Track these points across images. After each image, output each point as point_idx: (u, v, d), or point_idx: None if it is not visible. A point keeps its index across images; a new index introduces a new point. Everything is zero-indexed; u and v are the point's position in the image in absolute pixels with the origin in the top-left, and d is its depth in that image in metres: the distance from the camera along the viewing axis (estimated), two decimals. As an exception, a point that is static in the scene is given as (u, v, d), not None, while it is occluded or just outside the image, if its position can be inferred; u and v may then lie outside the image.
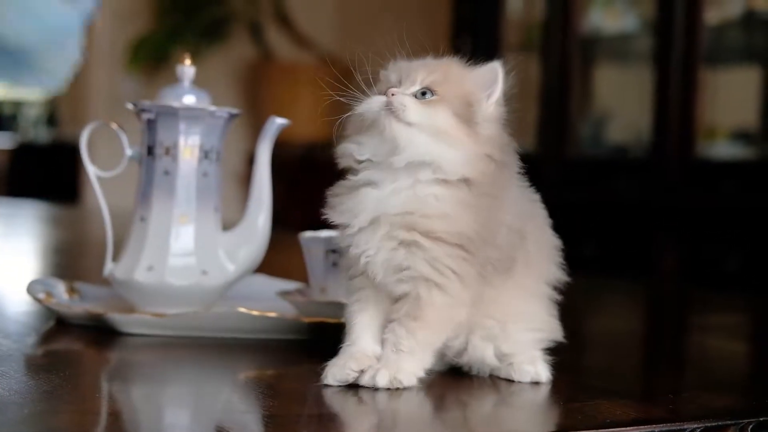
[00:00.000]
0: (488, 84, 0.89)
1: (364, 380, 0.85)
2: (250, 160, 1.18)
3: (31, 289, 1.14)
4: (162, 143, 1.12)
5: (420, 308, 0.86)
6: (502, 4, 3.39)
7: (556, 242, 0.95)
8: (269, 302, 1.16)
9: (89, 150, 1.17)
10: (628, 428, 0.77)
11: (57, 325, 1.10)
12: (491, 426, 0.83)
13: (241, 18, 4.39)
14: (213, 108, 1.12)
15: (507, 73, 0.90)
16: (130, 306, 1.13)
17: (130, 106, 1.15)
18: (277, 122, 1.13)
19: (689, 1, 2.76)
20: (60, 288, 1.19)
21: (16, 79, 6.19)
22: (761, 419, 0.81)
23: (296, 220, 1.07)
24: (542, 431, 0.83)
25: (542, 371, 0.91)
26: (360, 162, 0.88)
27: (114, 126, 1.16)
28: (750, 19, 2.87)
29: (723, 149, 2.87)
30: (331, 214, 0.89)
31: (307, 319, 1.06)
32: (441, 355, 0.91)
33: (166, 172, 1.11)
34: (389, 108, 0.86)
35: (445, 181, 0.86)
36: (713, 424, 0.80)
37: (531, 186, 0.93)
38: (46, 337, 1.07)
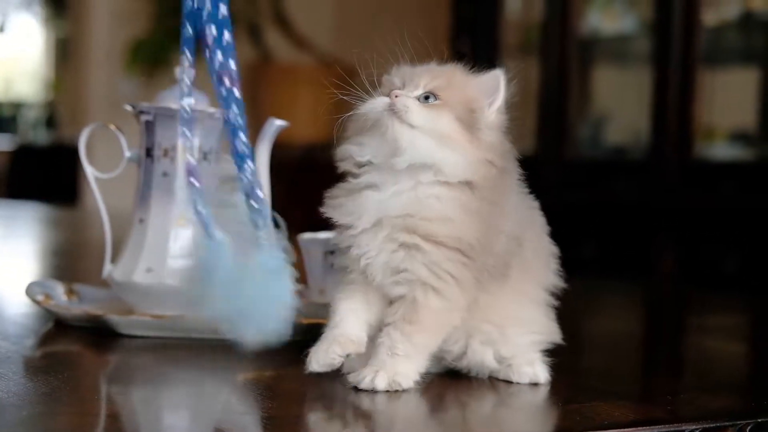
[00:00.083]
0: (490, 91, 0.90)
1: (363, 383, 0.84)
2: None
3: (29, 291, 1.14)
4: (160, 145, 1.12)
5: (416, 312, 0.86)
6: (501, 5, 3.39)
7: (553, 249, 0.95)
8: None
9: (88, 152, 1.17)
10: (626, 429, 0.78)
11: (56, 327, 1.10)
12: (490, 427, 0.83)
13: (239, 19, 4.39)
14: (212, 110, 1.12)
15: (508, 81, 0.90)
16: (128, 308, 1.13)
17: (128, 107, 1.15)
18: (276, 124, 1.13)
19: (687, 2, 2.76)
20: (59, 290, 1.19)
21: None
22: (759, 420, 0.81)
23: (295, 222, 1.07)
24: (541, 432, 0.83)
25: (541, 372, 0.91)
26: (361, 165, 0.88)
27: (113, 128, 1.16)
28: (748, 20, 2.88)
29: (721, 150, 2.87)
30: (333, 214, 0.89)
31: (305, 321, 1.06)
32: (439, 358, 0.91)
33: (165, 174, 1.11)
34: (392, 109, 0.86)
35: (446, 183, 0.86)
36: (711, 425, 0.80)
37: (530, 187, 0.93)
38: (45, 339, 1.07)
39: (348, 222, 0.88)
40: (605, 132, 3.28)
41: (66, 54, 6.33)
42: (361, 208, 0.87)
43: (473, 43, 3.35)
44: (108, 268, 1.14)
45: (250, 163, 0.86)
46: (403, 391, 0.85)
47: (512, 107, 0.91)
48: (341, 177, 0.91)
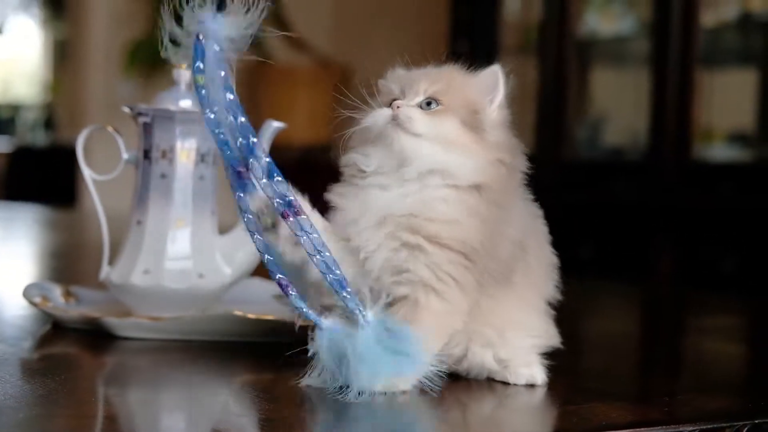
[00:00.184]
0: (490, 88, 0.89)
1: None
2: (246, 163, 1.18)
3: (27, 293, 1.14)
4: (158, 147, 1.12)
5: (417, 313, 0.85)
6: (499, 6, 3.39)
7: (554, 260, 0.95)
8: (266, 305, 1.15)
9: (86, 154, 1.17)
10: (624, 431, 0.77)
11: (53, 329, 1.10)
12: (488, 428, 0.83)
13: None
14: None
15: (507, 76, 0.90)
16: (126, 310, 1.12)
17: (126, 109, 1.15)
18: (274, 125, 1.13)
19: (685, 3, 2.76)
20: (56, 292, 1.18)
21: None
22: (756, 421, 0.81)
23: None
24: (538, 434, 0.83)
25: (538, 374, 0.91)
26: (365, 172, 0.88)
27: (110, 129, 1.16)
28: (746, 22, 2.88)
29: (720, 151, 2.87)
30: (338, 201, 0.89)
31: (302, 323, 1.06)
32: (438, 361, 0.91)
33: (163, 176, 1.11)
34: (395, 121, 0.86)
35: (455, 186, 0.86)
36: (709, 426, 0.80)
37: (529, 188, 0.93)
38: (43, 341, 1.07)
39: (352, 214, 0.87)
40: (603, 133, 3.28)
41: (64, 56, 6.34)
42: (366, 204, 0.87)
43: (472, 44, 3.35)
44: (105, 270, 1.14)
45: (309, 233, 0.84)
46: (402, 392, 0.85)
47: (511, 106, 0.91)
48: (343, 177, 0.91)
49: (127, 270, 1.11)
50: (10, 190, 5.73)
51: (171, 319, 1.05)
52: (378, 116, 0.87)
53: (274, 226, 0.86)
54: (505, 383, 0.91)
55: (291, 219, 0.83)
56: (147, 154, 1.12)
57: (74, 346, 1.05)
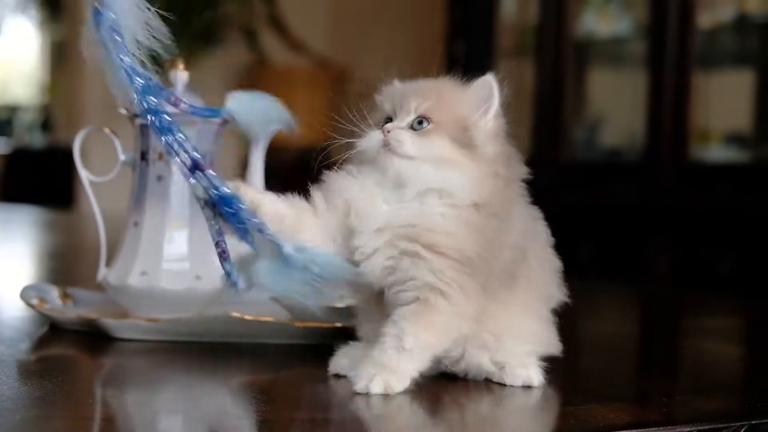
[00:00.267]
0: (484, 99, 0.89)
1: (359, 387, 0.84)
2: (244, 165, 1.18)
3: (24, 295, 1.14)
4: (155, 148, 1.12)
5: (428, 311, 0.85)
6: (496, 8, 3.40)
7: (557, 263, 0.95)
8: (263, 307, 1.15)
9: (83, 155, 1.17)
10: (621, 432, 0.78)
11: (50, 331, 1.10)
12: (485, 429, 0.83)
13: (235, 23, 4.40)
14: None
15: (501, 82, 0.90)
16: (123, 311, 1.12)
17: (123, 111, 1.14)
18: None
19: (682, 4, 2.77)
20: (53, 293, 1.18)
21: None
22: (754, 422, 0.81)
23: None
24: (536, 435, 0.83)
25: (534, 375, 0.91)
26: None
27: (107, 131, 1.16)
28: (742, 23, 2.88)
29: (716, 152, 2.88)
30: (341, 179, 0.89)
31: (301, 324, 1.06)
32: (435, 361, 0.91)
33: (160, 178, 1.11)
34: (387, 147, 0.86)
35: (453, 205, 0.86)
36: (707, 427, 0.80)
37: (527, 190, 0.93)
38: (40, 343, 1.07)
39: (352, 190, 0.87)
40: (601, 134, 3.29)
41: (62, 57, 6.33)
42: (366, 212, 0.87)
43: (468, 46, 3.35)
44: (103, 271, 1.14)
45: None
46: (399, 393, 0.85)
47: (508, 109, 0.91)
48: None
49: (124, 271, 1.11)
50: (7, 191, 5.72)
51: (168, 320, 1.05)
52: (370, 141, 0.88)
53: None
54: (503, 384, 0.91)
55: (199, 173, 0.83)
56: (144, 156, 1.12)
57: (71, 347, 1.04)
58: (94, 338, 1.05)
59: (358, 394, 0.84)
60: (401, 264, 0.86)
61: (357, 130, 0.89)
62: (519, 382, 0.90)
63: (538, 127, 3.15)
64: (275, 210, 0.85)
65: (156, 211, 1.11)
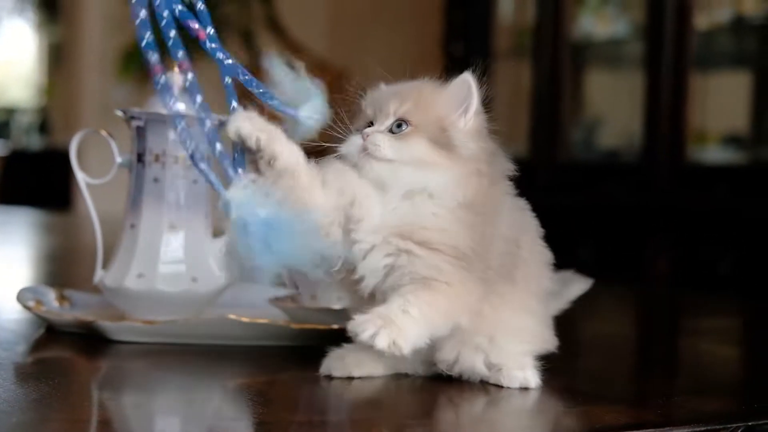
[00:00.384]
0: (463, 99, 0.89)
1: (363, 337, 0.82)
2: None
3: (21, 297, 1.14)
4: (152, 150, 1.12)
5: (432, 292, 0.85)
6: (494, 9, 3.40)
7: (548, 255, 0.95)
8: (260, 309, 1.15)
9: (80, 157, 1.17)
10: (618, 433, 0.78)
11: (47, 333, 1.10)
12: (481, 431, 0.83)
13: (233, 25, 4.40)
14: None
15: (480, 80, 0.89)
16: (120, 313, 1.12)
17: (119, 113, 1.14)
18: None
19: (679, 6, 2.77)
20: (50, 296, 1.18)
21: None
22: (751, 423, 0.81)
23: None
24: (533, 436, 0.83)
25: (531, 377, 0.91)
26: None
27: (104, 133, 1.16)
28: (739, 24, 2.89)
29: (714, 153, 2.88)
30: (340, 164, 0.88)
31: (297, 326, 1.06)
32: (430, 363, 0.91)
33: (156, 180, 1.11)
34: (365, 151, 0.87)
35: (442, 205, 0.86)
36: (704, 428, 0.80)
37: (523, 190, 0.93)
38: (36, 345, 1.06)
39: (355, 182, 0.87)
40: (598, 135, 3.29)
41: (59, 59, 6.33)
42: (366, 208, 0.87)
43: (466, 47, 3.35)
44: (99, 273, 1.14)
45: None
46: (398, 394, 0.85)
47: (496, 103, 0.91)
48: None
49: (120, 274, 1.11)
50: (4, 193, 5.72)
51: (165, 322, 1.05)
52: (350, 146, 0.89)
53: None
54: (500, 386, 0.91)
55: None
56: (140, 158, 1.12)
57: (68, 349, 1.04)
58: (90, 340, 1.05)
59: (357, 392, 0.84)
60: (399, 260, 0.86)
61: (341, 135, 0.90)
62: (516, 384, 0.90)
63: (536, 128, 3.15)
64: (291, 164, 0.84)
65: (152, 213, 1.11)
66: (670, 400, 0.93)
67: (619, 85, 3.31)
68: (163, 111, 1.11)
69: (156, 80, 0.84)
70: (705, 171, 2.80)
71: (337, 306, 1.09)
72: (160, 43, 0.85)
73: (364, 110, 0.91)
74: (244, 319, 1.04)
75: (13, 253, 2.14)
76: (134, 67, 4.39)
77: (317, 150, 0.89)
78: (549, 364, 0.93)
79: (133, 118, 1.12)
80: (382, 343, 0.82)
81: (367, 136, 0.87)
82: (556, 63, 3.12)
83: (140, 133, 1.12)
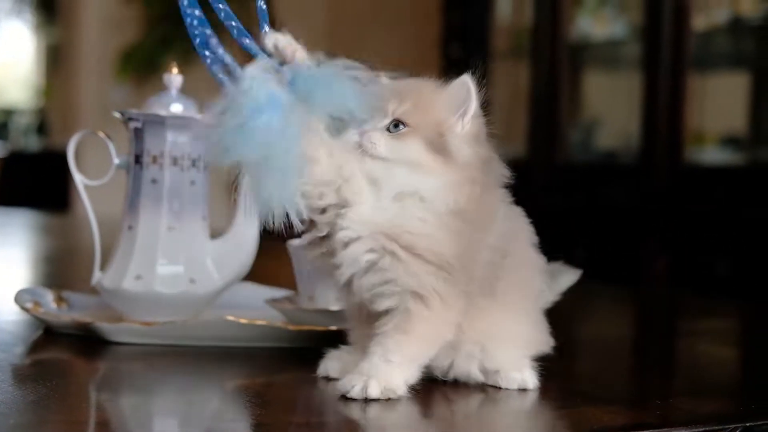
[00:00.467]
0: (461, 102, 0.88)
1: (354, 392, 0.84)
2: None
3: (18, 299, 1.14)
4: (149, 152, 1.12)
5: (410, 321, 0.85)
6: (492, 10, 3.40)
7: (541, 262, 0.94)
8: (257, 310, 1.15)
9: (78, 159, 1.17)
10: (616, 434, 0.78)
11: (45, 335, 1.10)
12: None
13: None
14: (200, 116, 1.12)
15: (480, 83, 0.89)
16: (118, 315, 1.12)
17: (117, 114, 1.15)
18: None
19: (677, 7, 2.77)
20: (48, 297, 1.18)
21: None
22: (748, 424, 0.81)
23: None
24: (530, 438, 0.84)
25: (529, 378, 0.91)
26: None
27: (101, 135, 1.16)
28: (737, 25, 2.89)
29: (712, 155, 2.88)
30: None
31: (295, 327, 1.06)
32: (428, 368, 0.91)
33: (154, 181, 1.11)
34: (361, 148, 0.86)
35: (432, 210, 0.86)
36: (701, 429, 0.80)
37: (521, 192, 0.92)
38: (34, 347, 1.06)
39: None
40: (596, 136, 3.29)
41: (57, 61, 6.33)
42: (358, 196, 0.86)
43: (464, 48, 3.35)
44: (97, 275, 1.14)
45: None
46: (395, 397, 0.85)
47: (498, 112, 0.90)
48: None
49: (118, 275, 1.11)
50: (2, 195, 5.72)
51: (163, 324, 1.05)
52: (346, 141, 0.88)
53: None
54: (498, 387, 0.91)
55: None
56: (138, 159, 1.12)
57: (66, 351, 1.04)
58: (88, 342, 1.05)
59: (353, 399, 0.84)
60: (383, 261, 0.85)
61: (339, 128, 0.89)
62: (514, 386, 0.90)
63: (534, 129, 3.15)
64: None
65: (150, 214, 1.11)
66: (667, 401, 0.93)
67: (617, 86, 3.31)
68: (161, 112, 1.11)
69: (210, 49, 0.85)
70: (703, 172, 2.80)
71: (334, 308, 1.10)
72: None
73: None
74: (242, 321, 1.04)
75: (11, 255, 2.14)
76: (132, 68, 4.39)
77: None
78: (546, 366, 0.93)
79: (130, 119, 1.12)
80: (374, 392, 0.84)
81: (364, 133, 0.87)
82: (554, 64, 3.12)
83: (138, 134, 1.12)
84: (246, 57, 0.87)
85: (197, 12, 0.86)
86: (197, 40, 0.86)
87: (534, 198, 0.94)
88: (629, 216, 2.90)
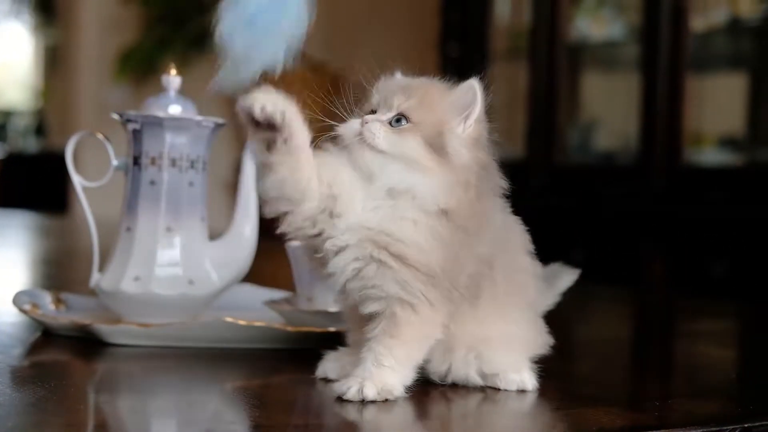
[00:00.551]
0: (466, 105, 0.88)
1: (350, 395, 0.84)
2: (237, 169, 1.18)
3: (17, 300, 1.13)
4: (148, 153, 1.12)
5: (397, 325, 0.86)
6: (490, 11, 3.40)
7: (535, 269, 0.94)
8: (256, 312, 1.15)
9: (76, 160, 1.17)
10: (614, 435, 0.78)
11: (43, 336, 1.10)
12: (478, 434, 0.83)
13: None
14: (198, 118, 1.12)
15: (487, 87, 0.89)
16: (116, 316, 1.12)
17: (115, 116, 1.14)
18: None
19: (675, 8, 2.77)
20: (46, 299, 1.18)
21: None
22: (746, 425, 0.81)
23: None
24: (529, 439, 0.84)
25: (528, 380, 0.91)
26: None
27: (100, 136, 1.16)
28: (735, 26, 2.89)
29: (710, 156, 2.88)
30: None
31: (293, 329, 1.06)
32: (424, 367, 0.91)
33: (152, 182, 1.11)
34: (361, 136, 0.86)
35: (424, 210, 0.86)
36: (699, 430, 0.80)
37: (519, 193, 0.92)
38: (33, 349, 1.06)
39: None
40: (594, 138, 3.29)
41: (55, 62, 6.33)
42: (347, 205, 0.87)
43: (462, 48, 3.36)
44: (95, 276, 1.14)
45: None
46: (393, 398, 0.85)
47: (497, 112, 0.90)
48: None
49: (117, 277, 1.11)
50: (1, 196, 5.72)
51: (161, 325, 1.05)
52: (348, 128, 0.88)
53: None
54: (497, 388, 0.91)
55: None
56: (136, 161, 1.12)
57: (64, 353, 1.04)
58: (87, 344, 1.05)
59: (349, 401, 0.84)
60: (367, 270, 0.86)
61: (343, 116, 0.89)
62: (513, 387, 0.91)
63: (531, 130, 3.15)
64: (303, 144, 0.85)
65: (149, 216, 1.11)
66: (665, 402, 0.93)
67: (615, 87, 3.31)
68: (160, 114, 1.11)
69: None
70: (701, 173, 2.80)
71: (332, 309, 1.10)
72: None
73: (372, 96, 0.90)
74: (241, 322, 1.04)
75: (9, 256, 2.14)
76: (130, 69, 4.39)
77: (318, 130, 0.89)
78: (545, 367, 0.93)
79: (129, 120, 1.12)
80: (371, 393, 0.84)
81: (366, 122, 0.87)
82: (552, 65, 3.13)
83: (136, 136, 1.12)
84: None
85: None
86: None
87: (532, 199, 0.94)
88: (627, 217, 2.90)
